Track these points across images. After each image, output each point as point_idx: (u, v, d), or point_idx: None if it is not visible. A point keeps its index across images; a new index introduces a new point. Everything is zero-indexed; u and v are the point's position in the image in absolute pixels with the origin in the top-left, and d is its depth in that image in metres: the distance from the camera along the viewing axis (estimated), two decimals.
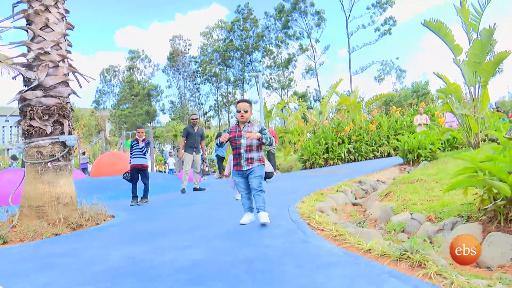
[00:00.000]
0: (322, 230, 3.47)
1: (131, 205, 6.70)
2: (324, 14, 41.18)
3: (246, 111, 3.89)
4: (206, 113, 50.90)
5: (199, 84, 50.32)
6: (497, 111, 14.77)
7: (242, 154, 3.82)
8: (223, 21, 48.91)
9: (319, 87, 43.15)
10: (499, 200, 2.86)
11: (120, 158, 11.66)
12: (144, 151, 6.94)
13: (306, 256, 2.65)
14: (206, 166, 8.26)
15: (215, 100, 49.71)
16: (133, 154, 6.92)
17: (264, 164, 3.96)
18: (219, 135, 3.29)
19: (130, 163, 6.95)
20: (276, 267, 2.43)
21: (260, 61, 47.36)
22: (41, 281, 2.53)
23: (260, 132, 3.84)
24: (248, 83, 47.99)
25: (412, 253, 2.35)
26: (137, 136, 6.97)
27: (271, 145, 3.89)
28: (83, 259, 3.05)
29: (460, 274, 2.11)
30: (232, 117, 49.68)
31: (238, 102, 4.02)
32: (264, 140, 3.78)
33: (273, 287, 2.09)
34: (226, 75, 48.08)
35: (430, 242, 3.21)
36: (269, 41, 45.72)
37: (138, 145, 6.88)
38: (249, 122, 3.97)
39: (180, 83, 50.73)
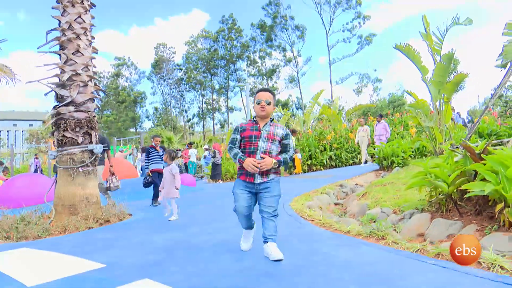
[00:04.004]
0: (313, 220, 4.49)
1: (155, 205, 7.46)
2: (306, 30, 42.84)
3: (268, 103, 2.99)
4: (189, 119, 51.50)
5: (183, 91, 51.01)
6: (470, 121, 15.98)
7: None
8: (206, 31, 49.81)
9: (301, 96, 44.68)
10: (440, 195, 3.96)
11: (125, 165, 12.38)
12: (162, 158, 7.83)
13: (305, 236, 3.65)
14: (110, 182, 7.20)
15: (199, 108, 50.47)
16: (153, 160, 7.75)
17: (279, 177, 3.14)
18: (236, 130, 3.09)
19: (149, 168, 7.76)
20: (285, 242, 3.41)
21: (245, 70, 48.57)
22: (111, 254, 3.42)
23: (283, 138, 3.04)
24: (232, 91, 49.07)
25: (378, 231, 3.40)
26: (153, 144, 7.86)
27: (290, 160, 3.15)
28: (134, 241, 3.95)
29: (408, 243, 3.15)
30: (216, 124, 50.52)
31: (259, 91, 3.06)
32: (282, 162, 3.01)
33: (287, 252, 3.06)
34: (211, 83, 48.95)
35: (394, 229, 4.27)
36: (253, 51, 46.93)
37: (158, 153, 7.75)
38: (271, 121, 3.07)
39: (165, 90, 51.31)
